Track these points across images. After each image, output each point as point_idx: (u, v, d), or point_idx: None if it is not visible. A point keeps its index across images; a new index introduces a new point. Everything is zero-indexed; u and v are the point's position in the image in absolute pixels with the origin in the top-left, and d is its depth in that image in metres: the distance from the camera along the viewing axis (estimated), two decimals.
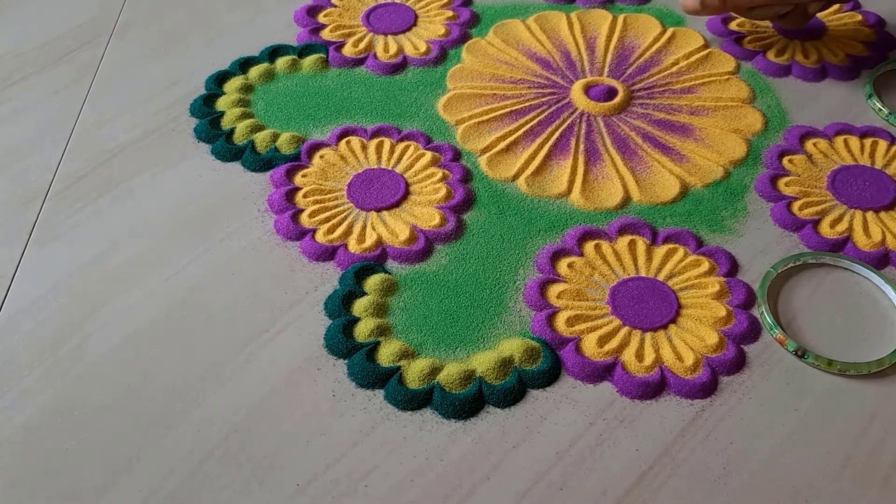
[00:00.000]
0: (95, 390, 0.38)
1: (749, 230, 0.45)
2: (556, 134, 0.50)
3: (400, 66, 0.55)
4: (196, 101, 0.52)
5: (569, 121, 0.51)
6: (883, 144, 0.50)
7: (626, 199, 0.46)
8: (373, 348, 0.39)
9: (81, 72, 0.55)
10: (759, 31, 0.58)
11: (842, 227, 0.45)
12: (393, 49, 0.56)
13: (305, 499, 0.35)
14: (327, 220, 0.45)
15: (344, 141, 0.50)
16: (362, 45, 0.56)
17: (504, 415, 0.37)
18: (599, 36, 0.57)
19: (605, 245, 0.44)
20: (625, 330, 0.40)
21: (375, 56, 0.55)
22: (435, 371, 0.39)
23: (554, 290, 0.42)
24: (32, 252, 0.44)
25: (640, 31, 0.58)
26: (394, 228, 0.45)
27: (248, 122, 0.50)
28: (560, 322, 0.40)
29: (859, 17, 0.59)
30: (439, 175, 0.47)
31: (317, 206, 0.46)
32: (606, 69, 0.55)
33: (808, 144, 0.50)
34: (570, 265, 0.43)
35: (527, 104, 0.52)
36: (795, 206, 0.46)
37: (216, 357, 0.39)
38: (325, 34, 0.57)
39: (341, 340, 0.40)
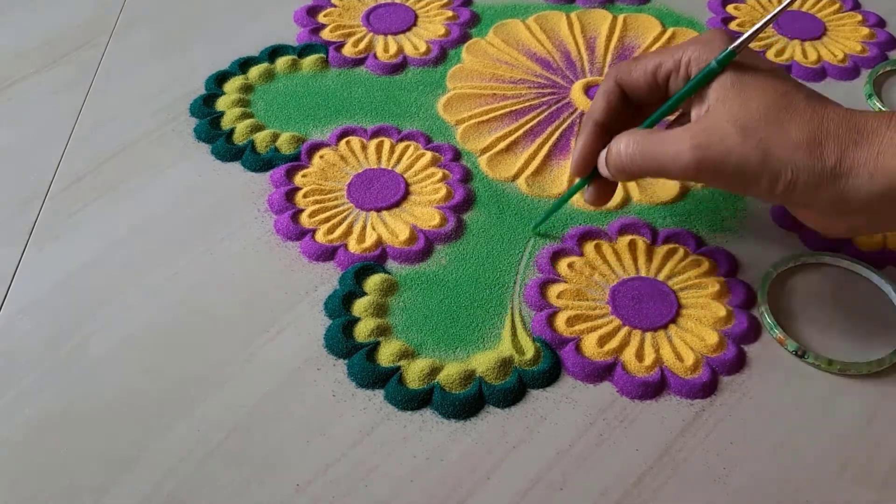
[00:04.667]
0: (95, 390, 0.38)
1: (749, 230, 0.45)
2: (556, 134, 0.50)
3: (400, 66, 0.55)
4: (196, 101, 0.52)
5: (569, 121, 0.51)
6: None
7: (626, 199, 0.46)
8: (373, 348, 0.39)
9: (81, 72, 0.55)
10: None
11: None
12: (393, 49, 0.56)
13: (305, 499, 0.35)
14: (327, 220, 0.45)
15: (344, 141, 0.50)
16: (362, 45, 0.56)
17: (504, 415, 0.38)
18: (599, 36, 0.57)
19: (605, 245, 0.44)
20: (625, 330, 0.40)
21: (375, 56, 0.55)
22: (435, 371, 0.39)
23: (554, 290, 0.42)
24: (32, 252, 0.44)
25: (640, 31, 0.58)
26: (394, 228, 0.45)
27: (248, 122, 0.50)
28: (560, 322, 0.40)
29: (859, 17, 0.59)
30: (439, 175, 0.47)
31: (317, 206, 0.46)
32: (606, 69, 0.55)
33: None
34: (570, 265, 0.43)
35: (527, 104, 0.52)
36: None
37: (216, 357, 0.39)
38: (325, 34, 0.57)
39: (341, 340, 0.40)
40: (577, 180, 0.42)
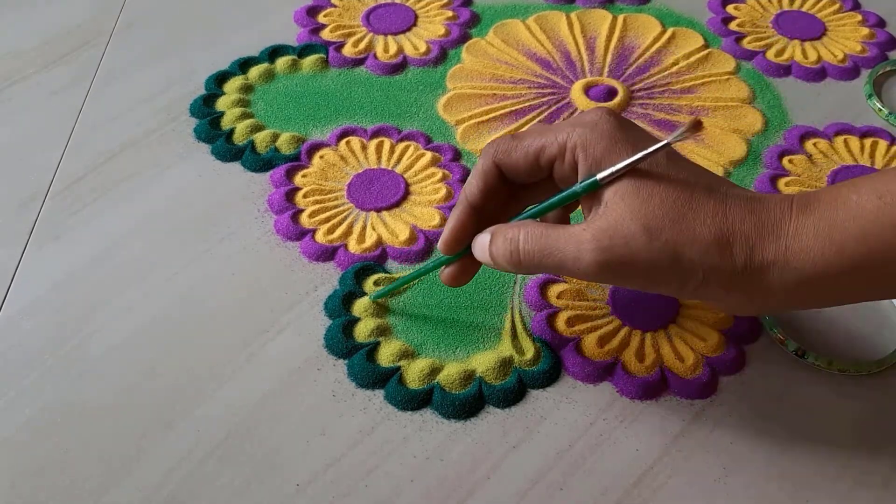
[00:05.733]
0: (95, 390, 0.38)
1: None
2: None
3: (400, 66, 0.55)
4: (196, 101, 0.52)
5: None
6: (883, 144, 0.50)
7: None
8: (373, 348, 0.39)
9: (81, 72, 0.55)
10: (759, 31, 0.58)
11: None
12: (393, 49, 0.56)
13: (305, 499, 0.35)
14: (327, 220, 0.45)
15: (344, 141, 0.50)
16: (362, 45, 0.56)
17: (504, 415, 0.37)
18: (599, 36, 0.57)
19: None
20: (625, 330, 0.40)
21: (375, 56, 0.55)
22: (435, 371, 0.39)
23: (554, 290, 0.42)
24: (32, 252, 0.44)
25: (640, 31, 0.58)
26: (394, 228, 0.45)
27: (248, 122, 0.50)
28: (560, 322, 0.40)
29: (859, 17, 0.59)
30: (439, 175, 0.47)
31: (317, 207, 0.46)
32: (606, 69, 0.55)
33: (808, 144, 0.50)
34: None
35: (527, 104, 0.52)
36: None
37: (216, 357, 0.39)
38: (325, 34, 0.57)
39: (341, 340, 0.40)
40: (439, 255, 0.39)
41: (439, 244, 0.37)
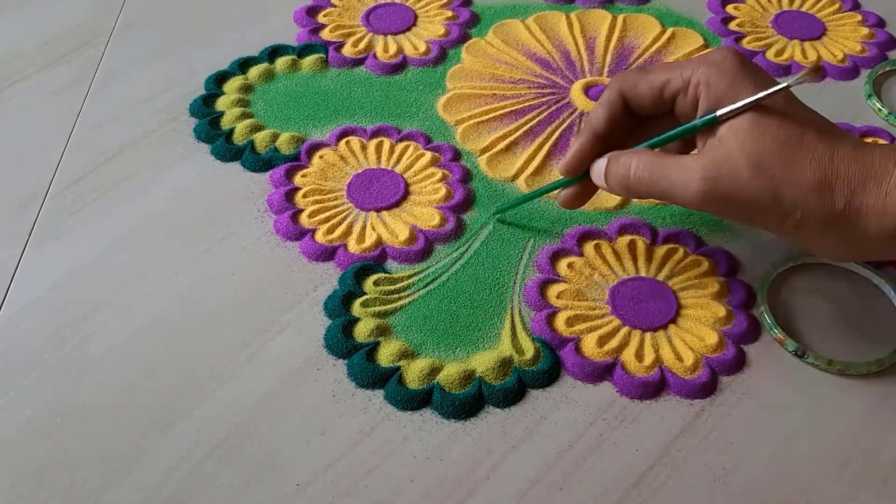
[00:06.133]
0: (95, 390, 0.38)
1: (749, 230, 0.45)
2: (556, 134, 0.50)
3: (400, 66, 0.55)
4: (196, 101, 0.52)
5: (568, 121, 0.51)
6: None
7: (626, 199, 0.46)
8: (372, 348, 0.39)
9: (81, 72, 0.55)
10: (759, 31, 0.58)
11: None
12: (393, 49, 0.56)
13: (305, 499, 0.35)
14: (327, 220, 0.45)
15: (343, 141, 0.50)
16: (362, 45, 0.56)
17: (504, 415, 0.38)
18: (599, 36, 0.57)
19: (604, 245, 0.44)
20: (625, 330, 0.40)
21: (375, 56, 0.55)
22: (435, 371, 0.39)
23: (554, 290, 0.42)
24: (32, 252, 0.44)
25: (640, 31, 0.58)
26: (393, 228, 0.45)
27: (248, 122, 0.50)
28: (560, 322, 0.40)
29: (859, 17, 0.59)
30: (439, 175, 0.47)
31: (316, 207, 0.46)
32: (606, 69, 0.55)
33: None
34: (569, 265, 0.43)
35: (526, 104, 0.52)
36: None
37: (216, 357, 0.39)
38: (325, 34, 0.57)
39: (341, 340, 0.40)
40: (558, 178, 0.42)
41: (560, 167, 0.40)
